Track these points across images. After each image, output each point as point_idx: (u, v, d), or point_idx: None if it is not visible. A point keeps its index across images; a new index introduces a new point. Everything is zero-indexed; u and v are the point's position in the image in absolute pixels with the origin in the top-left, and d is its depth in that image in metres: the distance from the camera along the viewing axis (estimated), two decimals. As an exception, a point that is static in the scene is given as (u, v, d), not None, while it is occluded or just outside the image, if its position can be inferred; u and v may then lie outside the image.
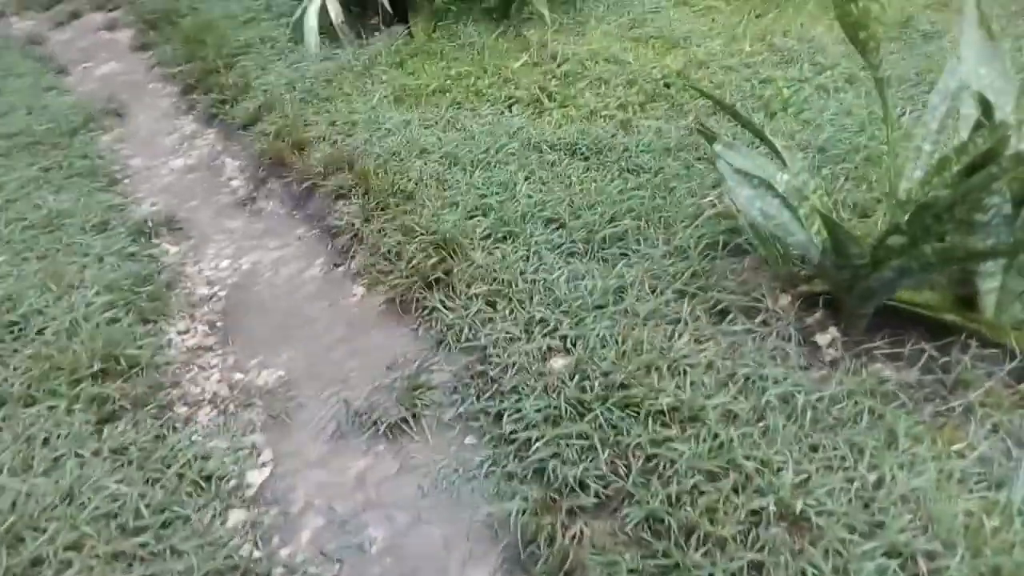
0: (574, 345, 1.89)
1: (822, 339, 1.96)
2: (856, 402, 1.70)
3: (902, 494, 1.49)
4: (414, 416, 1.89)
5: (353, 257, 2.50)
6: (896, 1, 3.87)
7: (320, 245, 2.68)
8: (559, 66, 3.26)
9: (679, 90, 3.09)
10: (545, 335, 1.93)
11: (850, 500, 1.48)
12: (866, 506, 1.48)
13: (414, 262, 2.22)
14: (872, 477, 1.54)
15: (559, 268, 2.13)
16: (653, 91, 3.10)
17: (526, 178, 2.59)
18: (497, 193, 2.51)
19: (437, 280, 2.16)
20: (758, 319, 1.99)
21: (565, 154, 2.73)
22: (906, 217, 1.74)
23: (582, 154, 2.73)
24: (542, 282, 2.08)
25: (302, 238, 2.77)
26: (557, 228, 2.34)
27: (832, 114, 2.80)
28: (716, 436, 1.62)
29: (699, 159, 2.62)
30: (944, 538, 1.41)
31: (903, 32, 3.52)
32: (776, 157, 2.04)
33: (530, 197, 2.47)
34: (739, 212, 2.14)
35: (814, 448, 1.60)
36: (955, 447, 1.63)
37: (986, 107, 1.65)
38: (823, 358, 1.89)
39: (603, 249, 2.23)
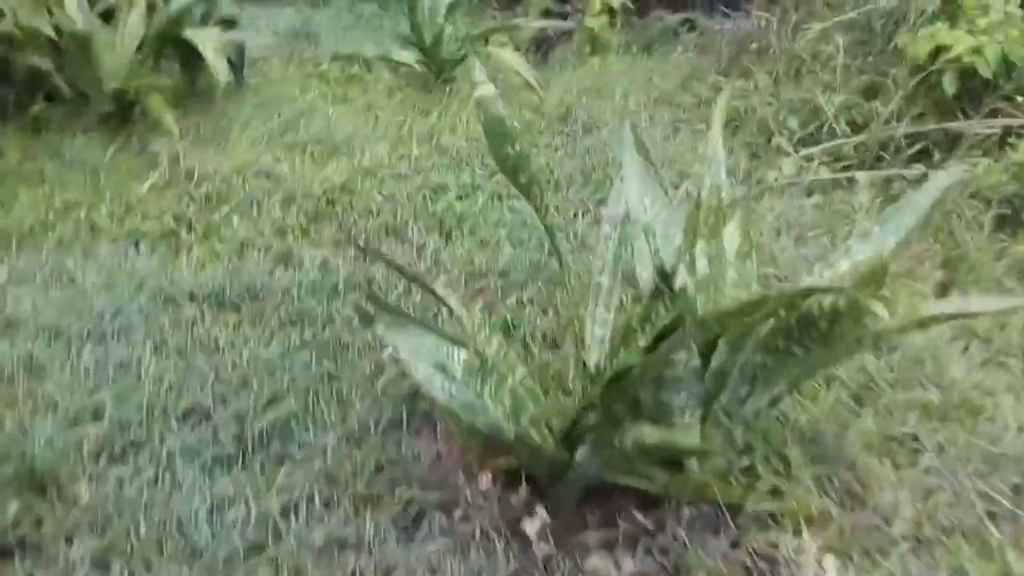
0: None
1: (531, 527, 1.67)
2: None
3: None
4: None
5: None
6: (554, 93, 3.93)
7: None
8: (198, 186, 2.72)
9: (345, 208, 2.73)
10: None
11: None
12: None
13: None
14: None
15: (200, 492, 1.62)
16: (316, 210, 2.71)
17: (155, 350, 2.03)
18: (115, 380, 1.91)
19: (20, 544, 1.52)
20: (458, 514, 1.66)
21: (209, 307, 2.21)
22: (600, 390, 1.53)
23: (232, 304, 2.24)
24: (175, 521, 1.55)
25: None
26: (198, 423, 1.82)
27: (508, 229, 2.63)
28: None
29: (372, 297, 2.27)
30: None
31: (564, 126, 3.54)
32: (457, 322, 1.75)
33: (160, 380, 1.92)
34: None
35: None
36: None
37: (663, 275, 1.50)
38: (535, 557, 1.60)
39: (261, 447, 1.76)
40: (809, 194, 2.89)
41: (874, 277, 1.29)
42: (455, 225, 2.64)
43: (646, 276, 1.79)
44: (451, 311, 1.76)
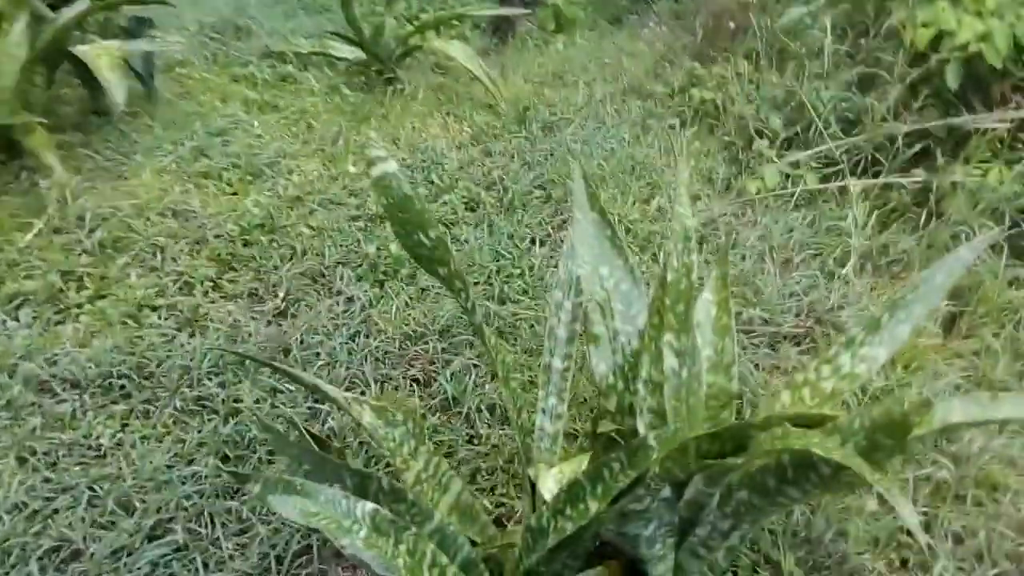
0: None
1: None
2: None
3: None
4: None
5: None
6: (512, 86, 3.53)
7: None
8: (91, 232, 2.34)
9: (265, 250, 2.35)
10: None
11: None
12: None
13: None
14: None
15: None
16: (230, 254, 2.34)
17: (21, 463, 1.68)
18: (-37, 512, 1.57)
19: None
20: None
21: (93, 396, 1.86)
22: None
23: (120, 390, 1.88)
24: None
25: None
26: (63, 566, 1.48)
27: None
28: None
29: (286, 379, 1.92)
30: None
31: (522, 128, 3.15)
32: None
33: (22, 507, 1.57)
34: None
35: None
36: None
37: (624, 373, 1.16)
38: None
39: (137, 600, 1.43)
40: (796, 207, 2.55)
41: (893, 431, 0.97)
42: (391, 270, 2.27)
43: (603, 369, 1.46)
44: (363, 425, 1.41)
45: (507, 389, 1.37)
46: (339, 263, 2.31)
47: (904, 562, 1.60)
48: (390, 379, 1.93)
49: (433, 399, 1.90)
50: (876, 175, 2.54)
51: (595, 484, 1.08)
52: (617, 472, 1.06)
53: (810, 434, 1.03)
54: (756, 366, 2.05)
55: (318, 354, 1.97)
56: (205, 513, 1.58)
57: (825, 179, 2.61)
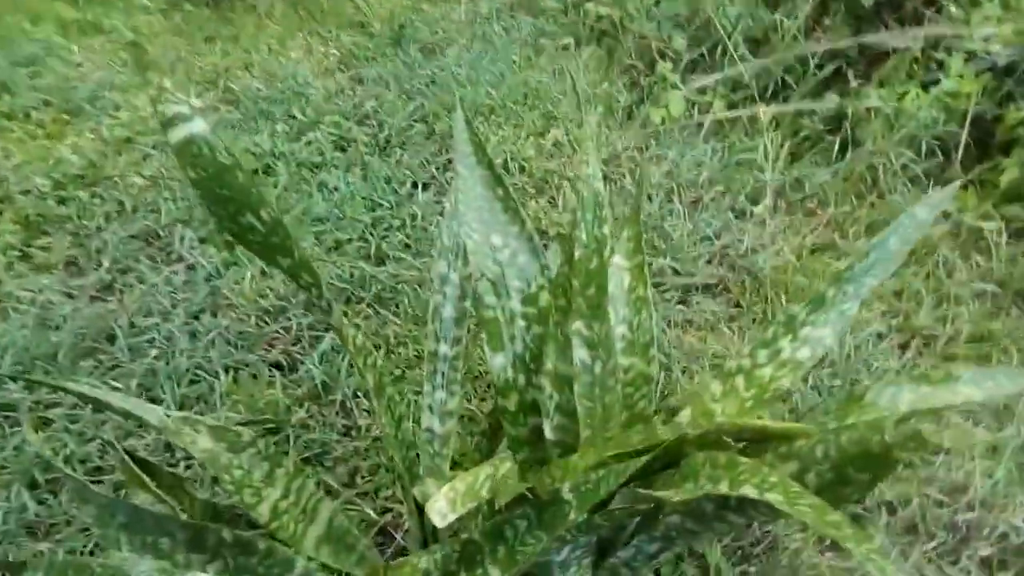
0: None
1: None
2: None
3: None
4: None
5: None
6: (382, 1, 3.10)
7: None
8: None
9: (85, 207, 1.93)
10: None
11: None
12: None
13: None
14: None
15: None
16: (40, 216, 1.90)
17: None
18: None
19: None
20: None
21: None
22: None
23: None
24: None
25: None
26: None
27: (321, 224, 1.93)
28: None
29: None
30: None
31: (398, 50, 2.76)
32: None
33: None
34: None
35: None
36: None
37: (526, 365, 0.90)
38: None
39: None
40: (704, 139, 2.32)
41: (871, 465, 0.76)
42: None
43: (500, 361, 1.18)
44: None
45: (379, 401, 1.09)
46: (179, 221, 1.92)
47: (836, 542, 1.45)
48: (245, 366, 1.61)
49: (299, 387, 1.59)
50: (787, 100, 2.34)
51: (495, 546, 0.83)
52: (523, 532, 0.80)
53: (758, 469, 0.80)
54: (669, 322, 1.84)
55: (152, 340, 1.61)
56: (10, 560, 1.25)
57: (733, 105, 2.38)
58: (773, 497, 0.76)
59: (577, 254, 1.02)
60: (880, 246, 1.08)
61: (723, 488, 0.81)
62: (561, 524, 0.77)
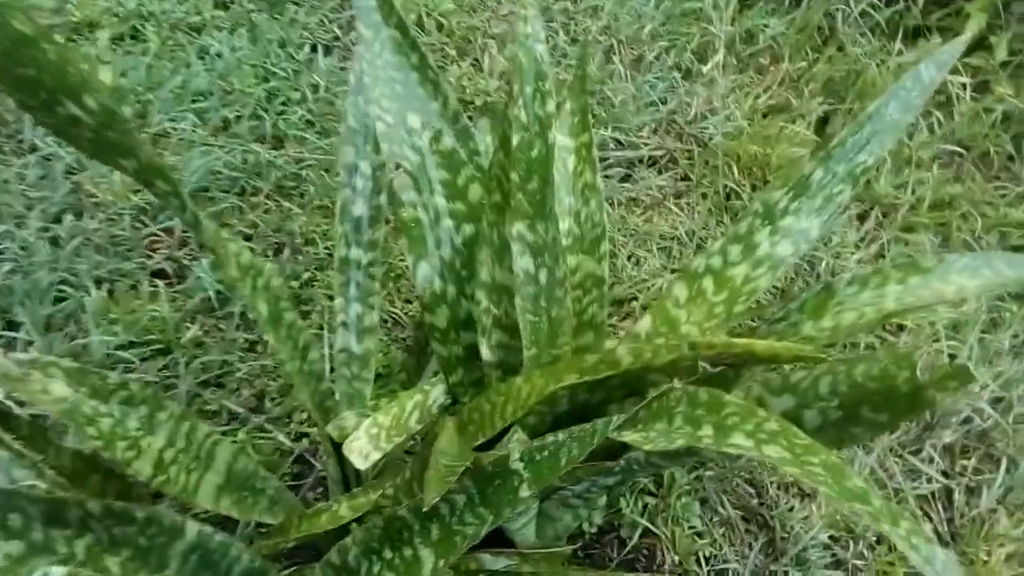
0: None
1: None
2: None
3: None
4: None
5: None
6: None
7: None
8: None
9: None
10: None
11: None
12: None
13: None
14: None
15: None
16: None
17: None
18: None
19: None
20: None
21: None
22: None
23: None
24: None
25: None
26: None
27: (207, 100, 1.62)
28: None
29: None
30: None
31: None
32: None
33: None
34: None
35: None
36: None
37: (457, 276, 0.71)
38: None
39: None
40: (645, -14, 2.04)
41: (894, 404, 0.59)
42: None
43: (426, 271, 0.98)
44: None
45: (276, 332, 0.88)
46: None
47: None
48: (121, 276, 1.35)
49: (189, 299, 1.35)
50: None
51: (427, 526, 0.65)
52: (462, 509, 0.63)
53: (751, 412, 0.64)
54: (612, 202, 1.65)
55: (3, 251, 1.34)
56: None
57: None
58: (773, 452, 0.60)
59: (515, 139, 0.80)
60: (877, 115, 0.90)
61: (706, 437, 0.65)
62: (509, 502, 0.60)
